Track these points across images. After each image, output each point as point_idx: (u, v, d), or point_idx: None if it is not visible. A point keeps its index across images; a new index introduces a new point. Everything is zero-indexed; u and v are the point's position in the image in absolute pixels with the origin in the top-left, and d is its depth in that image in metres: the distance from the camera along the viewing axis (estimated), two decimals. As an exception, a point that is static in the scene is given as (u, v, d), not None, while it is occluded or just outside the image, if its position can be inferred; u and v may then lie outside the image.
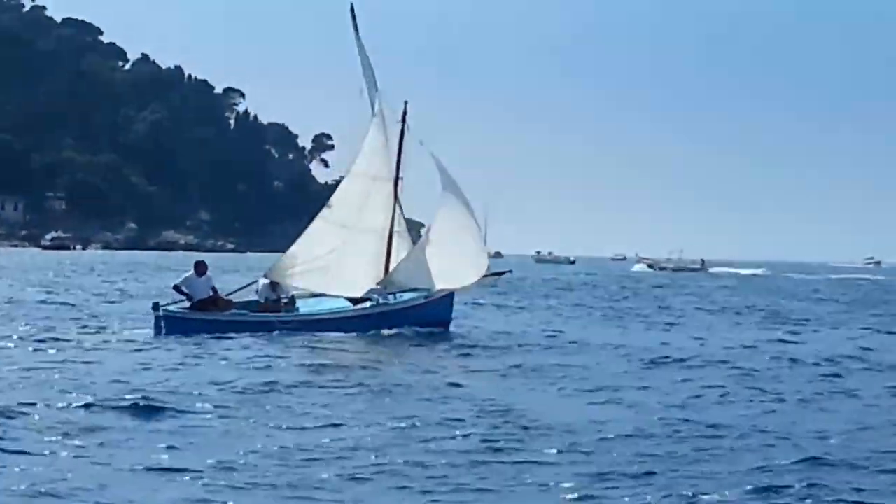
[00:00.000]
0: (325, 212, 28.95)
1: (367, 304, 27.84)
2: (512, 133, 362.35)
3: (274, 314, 27.44)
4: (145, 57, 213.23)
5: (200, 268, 27.87)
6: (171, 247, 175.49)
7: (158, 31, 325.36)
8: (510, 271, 32.68)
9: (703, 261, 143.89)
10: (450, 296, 27.69)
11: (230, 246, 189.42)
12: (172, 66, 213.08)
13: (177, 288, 27.94)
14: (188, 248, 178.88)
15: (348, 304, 28.03)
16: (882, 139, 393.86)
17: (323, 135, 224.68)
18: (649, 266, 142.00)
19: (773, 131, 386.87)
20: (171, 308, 27.39)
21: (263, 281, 28.31)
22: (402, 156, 28.53)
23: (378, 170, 28.75)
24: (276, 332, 26.23)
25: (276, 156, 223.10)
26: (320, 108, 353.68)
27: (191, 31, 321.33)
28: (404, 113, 28.65)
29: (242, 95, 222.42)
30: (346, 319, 27.24)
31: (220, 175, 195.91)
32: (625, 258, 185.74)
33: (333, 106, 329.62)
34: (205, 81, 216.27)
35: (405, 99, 29.01)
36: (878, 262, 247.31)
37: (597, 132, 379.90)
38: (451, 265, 27.39)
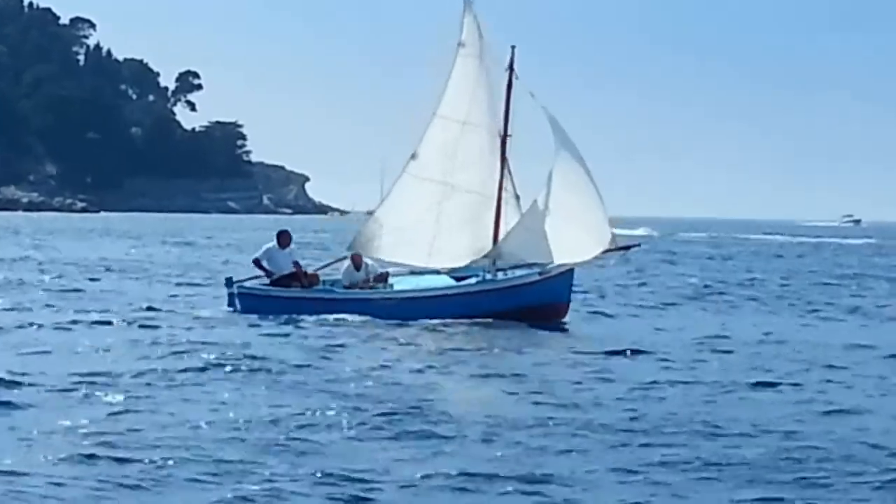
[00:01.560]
0: (410, 165, 28.05)
1: (472, 280, 27.71)
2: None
3: (364, 292, 27.28)
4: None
5: (283, 239, 27.67)
6: (11, 206, 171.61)
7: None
8: (639, 244, 32.51)
9: None
10: (569, 272, 27.41)
11: (81, 204, 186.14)
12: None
13: (256, 261, 27.78)
14: (31, 207, 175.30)
15: (451, 281, 27.85)
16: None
17: (189, 72, 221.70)
18: None
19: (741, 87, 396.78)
20: (247, 284, 27.36)
21: (346, 262, 28.04)
22: (510, 110, 28.05)
23: (467, 114, 27.82)
24: (366, 313, 26.18)
25: (134, 97, 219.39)
26: (185, 41, 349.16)
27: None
28: (511, 60, 28.02)
29: (93, 26, 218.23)
30: (447, 298, 27.09)
31: (67, 121, 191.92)
32: None
33: (201, 38, 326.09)
34: (48, 10, 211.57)
35: (512, 44, 28.25)
36: (857, 221, 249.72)
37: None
38: (571, 236, 27.08)
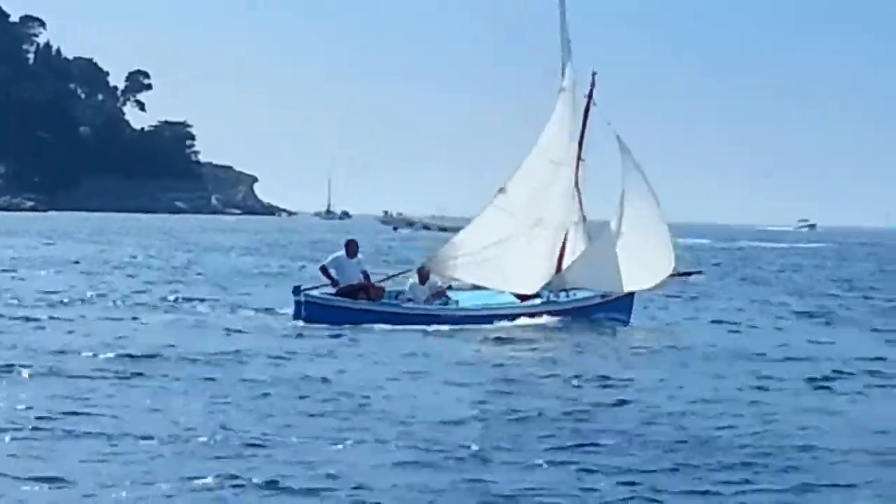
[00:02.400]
0: (499, 198, 28.97)
1: (537, 300, 28.24)
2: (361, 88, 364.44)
3: (432, 307, 27.65)
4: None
5: (352, 248, 27.74)
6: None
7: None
8: (701, 272, 33.07)
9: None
10: (629, 296, 28.21)
11: (29, 203, 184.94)
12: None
13: (323, 269, 27.83)
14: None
15: (513, 299, 28.38)
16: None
17: (139, 72, 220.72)
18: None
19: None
20: (314, 293, 27.42)
21: (413, 277, 28.37)
22: (585, 136, 28.78)
23: (561, 155, 28.85)
24: (432, 327, 26.54)
25: (83, 96, 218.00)
26: (135, 41, 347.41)
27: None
28: (592, 86, 28.80)
29: (43, 25, 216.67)
30: (513, 316, 27.62)
31: (15, 120, 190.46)
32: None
33: (150, 37, 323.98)
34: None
35: (593, 70, 28.98)
36: (812, 226, 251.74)
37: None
38: (635, 263, 27.83)
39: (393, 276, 29.51)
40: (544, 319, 27.59)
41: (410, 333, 25.47)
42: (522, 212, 28.69)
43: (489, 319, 27.39)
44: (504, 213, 28.78)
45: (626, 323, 28.12)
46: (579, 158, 28.64)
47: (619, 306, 28.16)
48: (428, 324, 26.77)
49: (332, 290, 27.54)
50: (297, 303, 26.99)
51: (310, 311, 26.91)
